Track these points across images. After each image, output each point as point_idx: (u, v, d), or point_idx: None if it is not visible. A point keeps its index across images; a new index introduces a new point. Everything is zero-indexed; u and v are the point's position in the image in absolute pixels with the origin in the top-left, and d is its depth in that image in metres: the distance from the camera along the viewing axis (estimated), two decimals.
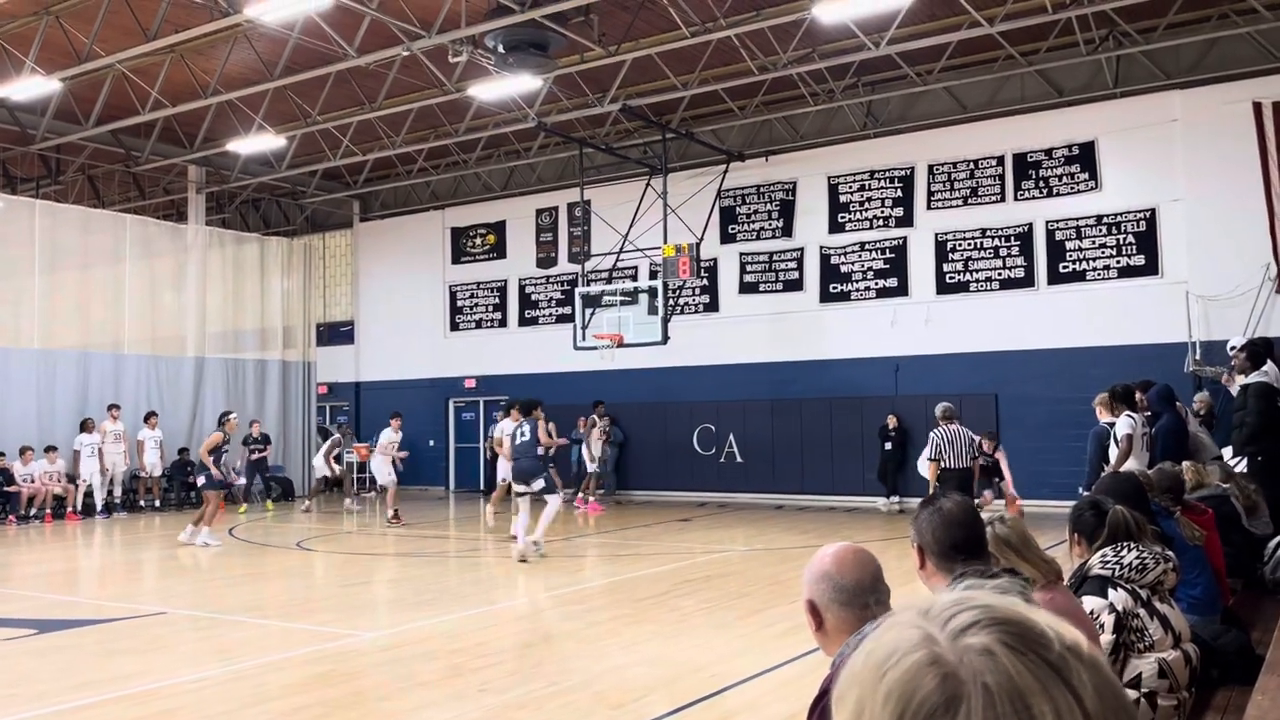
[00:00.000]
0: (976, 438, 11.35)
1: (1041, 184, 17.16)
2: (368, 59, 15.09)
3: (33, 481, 17.36)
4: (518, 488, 11.75)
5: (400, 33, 14.20)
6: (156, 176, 22.60)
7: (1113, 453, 9.59)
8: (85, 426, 18.00)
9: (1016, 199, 17.35)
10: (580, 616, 8.74)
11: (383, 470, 16.60)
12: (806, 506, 17.65)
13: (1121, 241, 16.49)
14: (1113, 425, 9.31)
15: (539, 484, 11.47)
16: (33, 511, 17.19)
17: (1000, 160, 17.50)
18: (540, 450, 11.89)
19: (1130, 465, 8.50)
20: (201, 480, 14.02)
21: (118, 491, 18.55)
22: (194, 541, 13.28)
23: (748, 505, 18.05)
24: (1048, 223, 17.05)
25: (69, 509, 17.66)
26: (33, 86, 15.36)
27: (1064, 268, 16.92)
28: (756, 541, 13.42)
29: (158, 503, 19.08)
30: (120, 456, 18.37)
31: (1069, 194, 16.92)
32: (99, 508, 17.89)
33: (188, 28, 14.15)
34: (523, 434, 11.68)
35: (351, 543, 14.91)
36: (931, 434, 10.65)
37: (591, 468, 18.13)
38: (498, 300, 22.83)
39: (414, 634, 7.96)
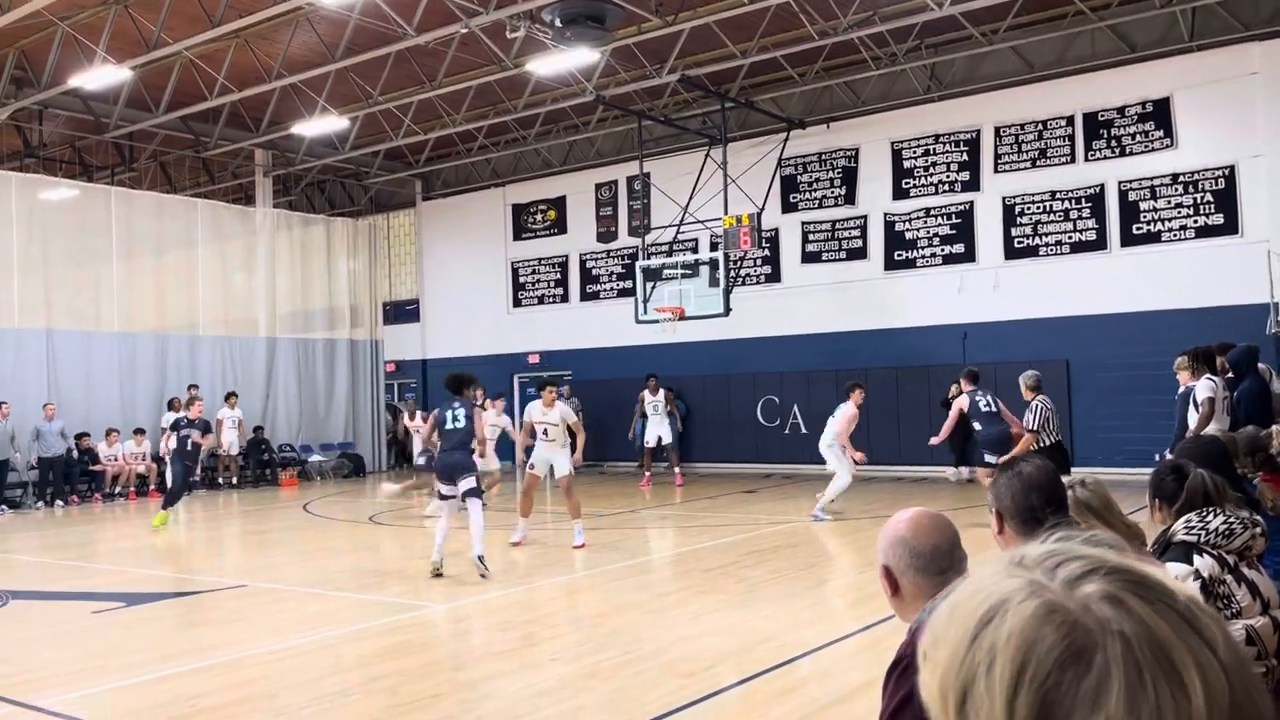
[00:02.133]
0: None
1: (1113, 143, 16.67)
2: (426, 37, 15.17)
3: (117, 461, 17.96)
4: (442, 487, 9.35)
5: (458, 10, 14.25)
6: (225, 161, 23.05)
7: (1192, 417, 9.35)
8: (172, 405, 18.55)
9: (1087, 160, 16.88)
10: (648, 588, 8.79)
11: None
12: (873, 477, 17.49)
13: (1199, 200, 15.97)
14: (1194, 389, 9.08)
15: (467, 483, 9.11)
16: (117, 489, 17.79)
17: (1070, 120, 17.03)
18: (474, 443, 9.47)
19: (1212, 429, 8.27)
20: (421, 460, 14.64)
21: (197, 469, 19.09)
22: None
23: (813, 476, 17.93)
24: (1120, 183, 16.57)
25: (151, 486, 18.23)
26: (104, 76, 15.73)
27: (1138, 229, 16.44)
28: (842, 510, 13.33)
29: (235, 480, 19.61)
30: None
31: (1142, 153, 16.41)
32: None
33: (251, 13, 14.37)
34: (456, 420, 9.30)
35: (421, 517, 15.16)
36: (1034, 403, 9.84)
37: (647, 443, 17.86)
38: (559, 276, 22.92)
39: (485, 606, 8.09)
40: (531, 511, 11.39)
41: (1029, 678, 0.68)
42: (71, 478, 17.33)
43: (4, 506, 16.32)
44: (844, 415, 12.69)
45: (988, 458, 10.98)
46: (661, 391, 17.96)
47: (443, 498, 9.40)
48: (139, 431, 18.29)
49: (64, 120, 19.47)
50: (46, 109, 18.47)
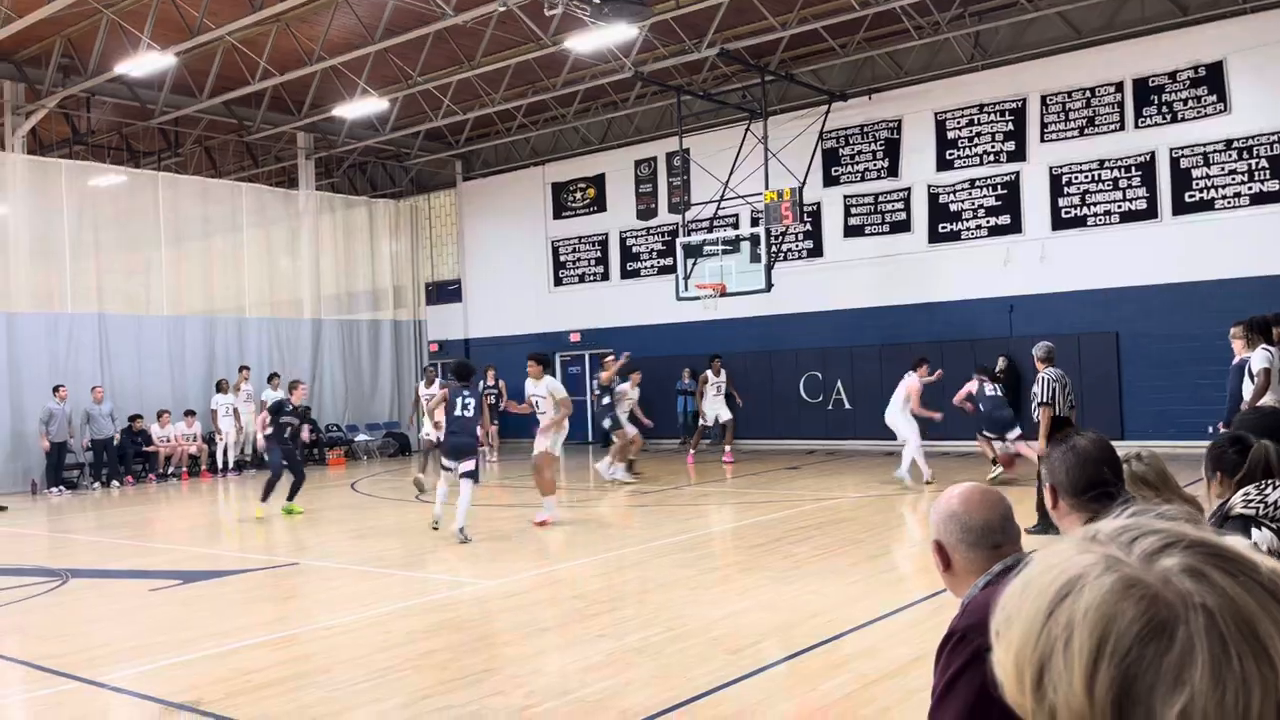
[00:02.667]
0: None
1: (1164, 109, 16.28)
2: (465, 16, 15.17)
3: (169, 442, 18.33)
4: (447, 462, 10.40)
5: None
6: (268, 145, 23.28)
7: (1247, 388, 9.14)
8: (221, 387, 18.89)
9: (1137, 127, 16.50)
10: (694, 564, 8.81)
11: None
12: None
13: (1254, 167, 15.56)
14: (1249, 359, 8.87)
15: (467, 466, 10.17)
16: (170, 470, 18.16)
17: (1119, 86, 16.65)
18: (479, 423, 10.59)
19: (1269, 400, 8.10)
20: (608, 422, 15.06)
21: (247, 449, 19.44)
22: (613, 476, 14.51)
23: (857, 452, 17.86)
24: (1171, 150, 16.19)
25: (203, 467, 18.59)
26: (149, 62, 15.92)
27: (1190, 197, 16.08)
28: (868, 488, 13.28)
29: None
30: (251, 415, 19.26)
31: (1195, 119, 16.01)
32: (231, 465, 18.78)
33: None
34: (465, 407, 10.32)
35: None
36: (1041, 376, 9.63)
37: (705, 421, 17.60)
38: (599, 254, 22.91)
39: (531, 582, 8.16)
40: (553, 489, 11.43)
41: (1109, 652, 0.67)
42: (125, 459, 17.72)
43: (62, 488, 16.73)
44: (907, 387, 13.47)
45: (985, 431, 12.75)
46: (724, 372, 17.61)
47: (445, 469, 10.55)
48: (189, 413, 18.65)
49: (110, 107, 19.76)
50: (94, 96, 18.75)
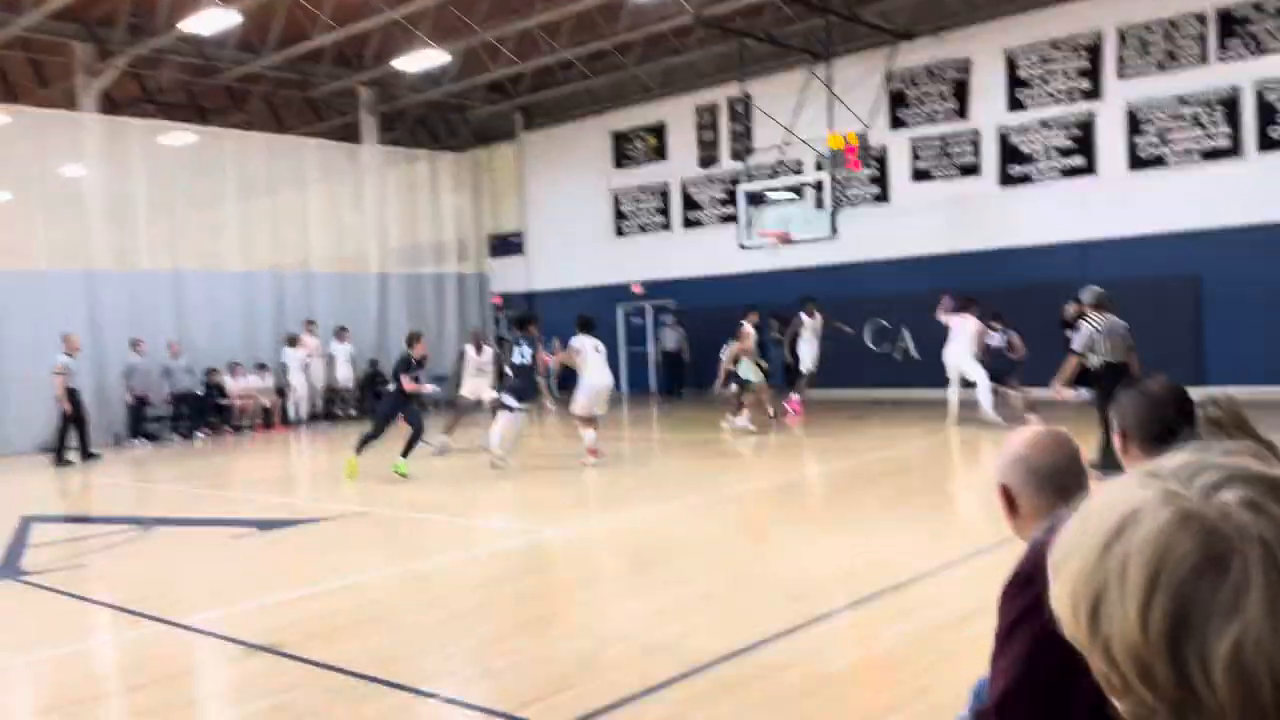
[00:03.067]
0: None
1: (1250, 41, 15.56)
2: None
3: (241, 398, 18.83)
4: (510, 401, 11.70)
5: None
6: (331, 100, 23.45)
7: None
8: (291, 342, 19.29)
9: (1220, 60, 15.81)
10: (758, 514, 8.83)
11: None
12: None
13: None
14: None
15: (522, 405, 11.70)
16: (244, 423, 18.66)
17: (1201, 18, 15.94)
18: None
19: None
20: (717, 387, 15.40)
21: (318, 403, 19.88)
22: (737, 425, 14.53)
23: (924, 401, 17.62)
24: (1256, 84, 15.50)
25: (276, 420, 19.06)
26: (214, 19, 16.11)
27: (1274, 133, 15.41)
28: (934, 437, 13.13)
29: (353, 412, 20.34)
30: (320, 369, 19.68)
31: None
32: (303, 418, 19.23)
33: None
34: (523, 355, 11.62)
35: (531, 446, 15.49)
36: (1083, 324, 9.33)
37: (805, 367, 16.69)
38: (661, 204, 22.78)
39: (598, 530, 8.26)
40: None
41: (1163, 584, 0.67)
42: (204, 412, 18.24)
43: (144, 439, 17.30)
44: (973, 328, 13.65)
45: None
46: (818, 315, 16.71)
47: (506, 408, 11.66)
48: (261, 366, 19.10)
49: (178, 66, 20.06)
50: (162, 55, 19.05)
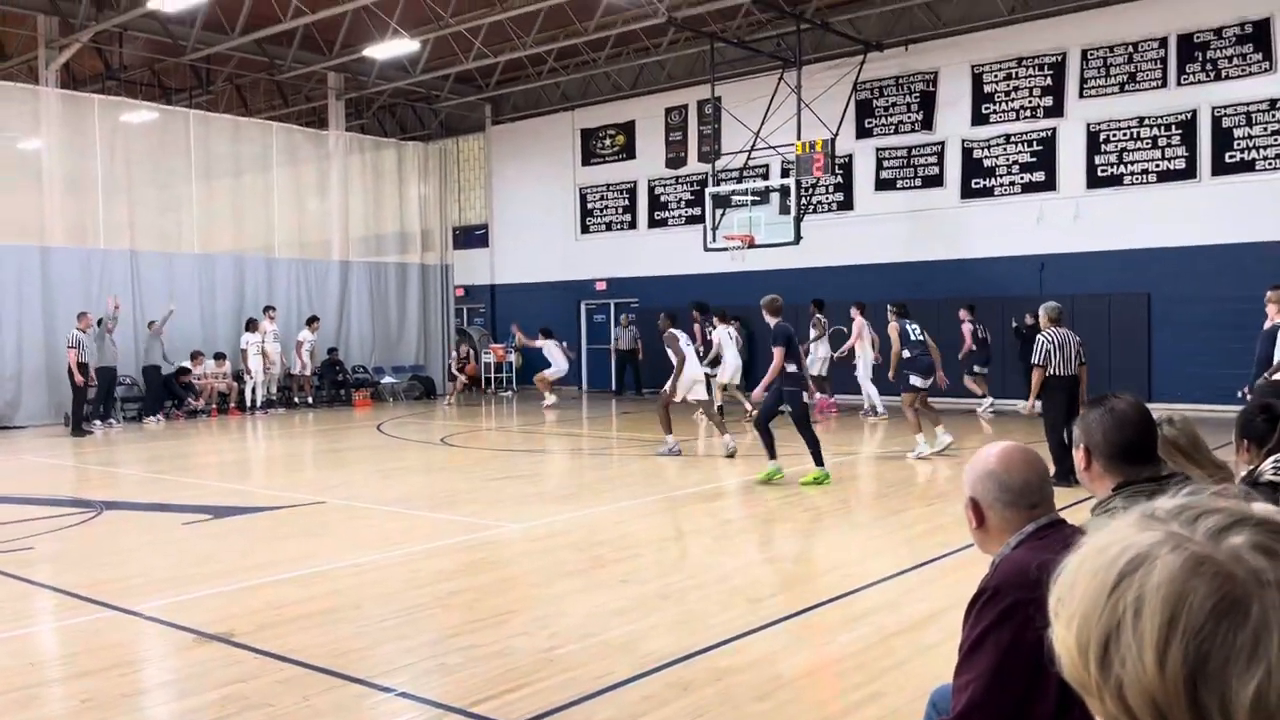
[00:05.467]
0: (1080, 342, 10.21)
1: (1208, 67, 15.92)
2: None
3: (200, 379, 18.56)
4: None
5: None
6: (298, 84, 23.21)
7: (1277, 357, 9.04)
8: (250, 326, 19.05)
9: (1179, 84, 16.16)
10: (716, 514, 8.88)
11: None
12: (945, 409, 17.31)
13: None
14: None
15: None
16: (199, 406, 18.39)
17: (1162, 42, 16.29)
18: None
19: None
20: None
21: (274, 389, 19.66)
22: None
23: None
24: (1214, 108, 15.87)
25: (232, 404, 18.82)
26: None
27: (1230, 157, 15.78)
28: (891, 444, 13.29)
29: (310, 400, 20.14)
30: (278, 355, 19.45)
31: (1239, 77, 15.66)
32: (259, 403, 19.01)
33: None
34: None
35: (492, 439, 15.46)
36: (1039, 337, 9.73)
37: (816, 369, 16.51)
38: (627, 202, 22.81)
39: (556, 527, 8.26)
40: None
41: (1181, 629, 0.67)
42: (160, 395, 17.89)
43: (113, 420, 16.90)
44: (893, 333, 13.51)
45: (913, 380, 11.67)
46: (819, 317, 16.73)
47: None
48: (219, 356, 18.85)
49: (143, 43, 19.74)
50: (126, 31, 18.72)
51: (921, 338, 11.90)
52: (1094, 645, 0.72)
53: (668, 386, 12.51)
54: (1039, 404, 10.04)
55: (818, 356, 16.63)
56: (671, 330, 12.64)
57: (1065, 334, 9.64)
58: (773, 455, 9.86)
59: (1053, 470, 8.45)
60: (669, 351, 12.57)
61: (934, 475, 10.68)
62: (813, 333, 16.75)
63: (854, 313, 16.40)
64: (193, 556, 7.30)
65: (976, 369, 16.46)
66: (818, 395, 16.60)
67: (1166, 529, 0.73)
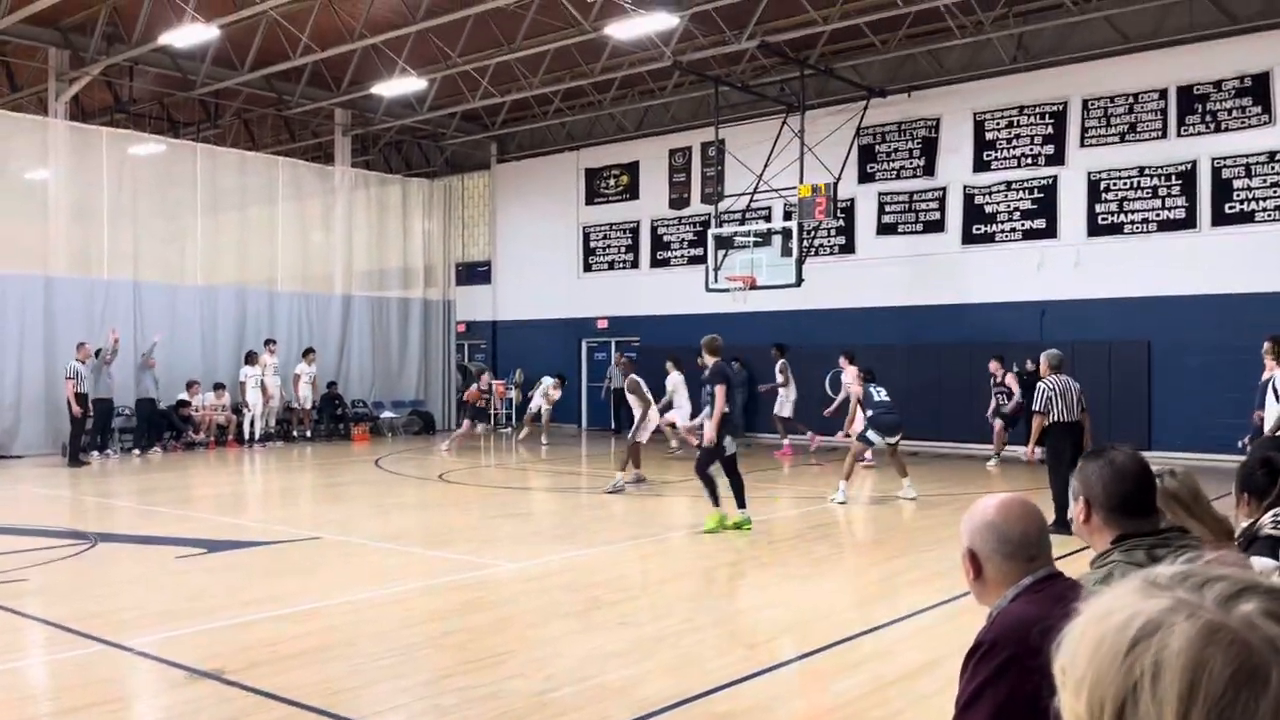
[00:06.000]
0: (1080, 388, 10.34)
1: (1208, 118, 16.06)
2: None
3: (199, 411, 18.53)
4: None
5: None
6: (305, 120, 23.41)
7: (1270, 409, 9.00)
8: (249, 359, 19.06)
9: (1179, 135, 16.30)
10: (713, 556, 8.83)
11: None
12: (944, 454, 17.30)
13: None
14: (1274, 377, 8.76)
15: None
16: (198, 439, 18.34)
17: (1163, 94, 16.44)
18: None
19: None
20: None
21: (272, 421, 19.63)
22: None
23: (881, 451, 17.78)
24: (1214, 160, 15.98)
25: (230, 437, 18.78)
26: (193, 34, 16.04)
27: (1230, 208, 15.87)
28: (890, 488, 13.24)
29: (309, 434, 20.10)
30: (277, 389, 19.44)
31: (1239, 129, 15.79)
32: (257, 436, 18.97)
33: None
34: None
35: (491, 476, 15.41)
36: (1039, 385, 9.82)
37: (786, 412, 17.18)
38: (630, 241, 22.91)
39: (553, 566, 8.21)
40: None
41: (1202, 697, 0.67)
42: (159, 426, 17.86)
43: (110, 451, 16.87)
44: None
45: (870, 434, 11.92)
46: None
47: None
48: (219, 386, 18.82)
49: (153, 77, 19.93)
50: (137, 65, 18.92)
51: (886, 399, 12.18)
52: (1108, 712, 0.71)
53: (631, 434, 12.89)
54: (1039, 450, 10.06)
55: (787, 399, 16.70)
56: (634, 376, 13.35)
57: (1066, 381, 9.68)
58: (716, 502, 9.58)
59: (1053, 518, 8.53)
60: (631, 398, 12.91)
61: (929, 521, 10.63)
62: (779, 377, 16.99)
63: (843, 363, 16.19)
64: (186, 591, 7.25)
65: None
66: (786, 440, 17.06)
67: (1174, 596, 0.73)
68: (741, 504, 9.67)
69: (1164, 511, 2.71)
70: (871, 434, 11.93)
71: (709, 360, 9.84)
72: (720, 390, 9.43)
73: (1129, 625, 0.73)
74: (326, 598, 7.02)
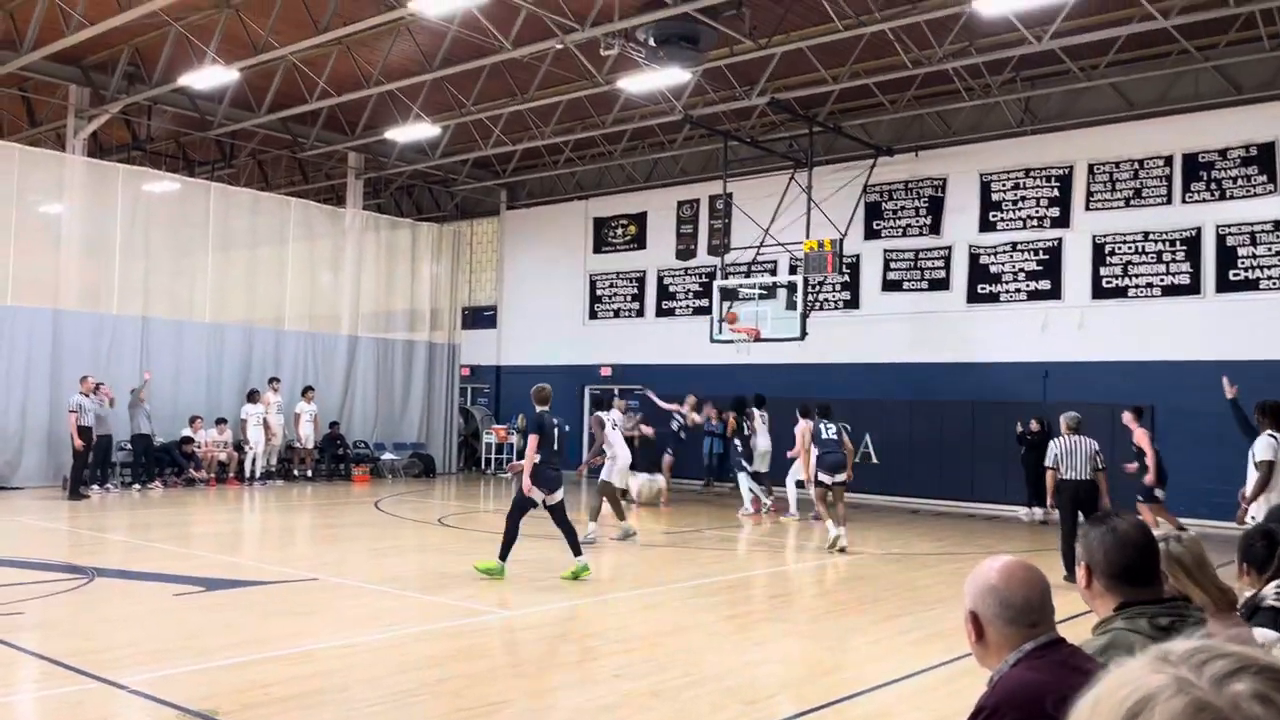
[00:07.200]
0: (1098, 449, 10.31)
1: (1213, 186, 16.22)
2: (522, 51, 15.44)
3: (201, 448, 18.52)
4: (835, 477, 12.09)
5: (555, 26, 14.47)
6: (319, 162, 23.69)
7: (1251, 476, 8.86)
8: (252, 397, 19.08)
9: (1184, 201, 16.44)
10: (712, 610, 8.78)
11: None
12: (944, 512, 17.23)
13: None
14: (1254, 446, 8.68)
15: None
16: (200, 477, 18.30)
17: (1168, 160, 16.62)
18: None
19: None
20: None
21: (274, 460, 19.60)
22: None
23: (882, 508, 17.73)
24: (1219, 227, 16.11)
25: (231, 474, 18.75)
26: (213, 76, 16.30)
27: (1234, 275, 15.96)
28: (891, 545, 13.18)
29: (310, 473, 20.06)
30: (280, 427, 19.43)
31: (1244, 197, 15.94)
32: (258, 475, 18.93)
33: (355, 21, 14.78)
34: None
35: (489, 521, 15.34)
36: (1051, 442, 10.42)
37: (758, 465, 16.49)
38: (636, 290, 23.04)
39: (550, 615, 8.16)
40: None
41: None
42: (160, 461, 17.84)
43: (110, 485, 16.86)
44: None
45: (820, 475, 12.18)
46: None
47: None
48: (221, 421, 18.82)
49: (171, 116, 20.21)
50: (155, 105, 19.20)
51: (833, 436, 12.34)
52: None
53: (603, 476, 12.96)
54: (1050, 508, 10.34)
55: (759, 452, 16.35)
56: (598, 414, 13.47)
57: (1076, 441, 10.14)
58: (504, 556, 9.41)
59: (1065, 573, 8.70)
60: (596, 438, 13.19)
61: (930, 580, 10.56)
62: (758, 425, 16.52)
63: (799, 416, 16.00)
64: (182, 629, 7.21)
65: (1158, 493, 12.58)
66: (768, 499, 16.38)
67: (1175, 673, 0.76)
68: (577, 552, 9.61)
69: (1166, 576, 2.72)
70: (821, 475, 12.11)
71: (537, 409, 9.75)
72: (532, 440, 9.38)
73: (1127, 699, 0.76)
74: (322, 640, 6.98)
